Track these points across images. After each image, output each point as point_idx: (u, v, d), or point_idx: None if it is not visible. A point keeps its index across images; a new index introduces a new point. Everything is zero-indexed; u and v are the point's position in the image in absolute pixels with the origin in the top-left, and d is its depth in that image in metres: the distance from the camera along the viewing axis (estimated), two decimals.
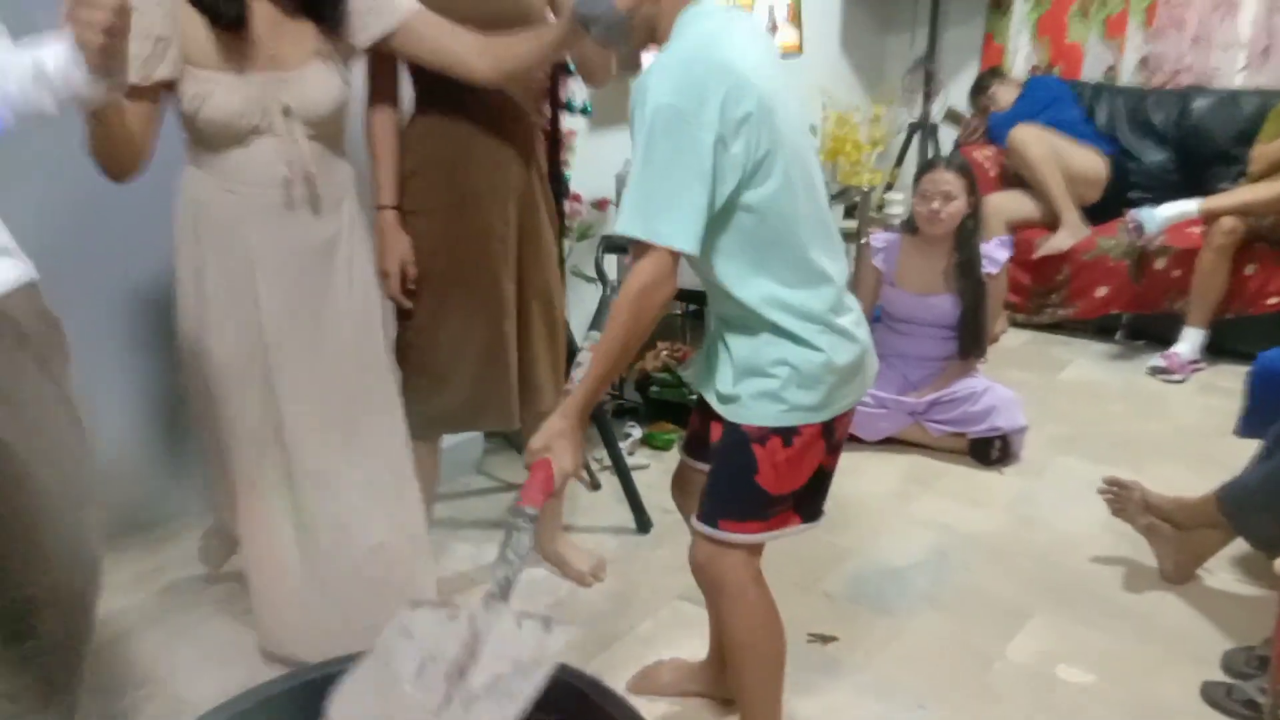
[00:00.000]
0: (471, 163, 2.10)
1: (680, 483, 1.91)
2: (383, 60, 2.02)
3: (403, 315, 2.17)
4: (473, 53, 1.93)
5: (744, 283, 1.56)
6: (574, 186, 3.09)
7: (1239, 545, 2.43)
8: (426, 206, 2.10)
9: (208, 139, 1.78)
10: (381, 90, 2.07)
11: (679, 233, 1.44)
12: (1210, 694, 2.04)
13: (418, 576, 2.07)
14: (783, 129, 1.50)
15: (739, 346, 1.62)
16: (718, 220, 1.50)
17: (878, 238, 3.35)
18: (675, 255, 1.46)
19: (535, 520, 1.54)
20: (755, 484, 1.62)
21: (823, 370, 1.58)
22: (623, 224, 1.46)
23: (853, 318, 1.64)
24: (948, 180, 3.08)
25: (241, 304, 1.86)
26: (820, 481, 1.71)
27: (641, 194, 1.45)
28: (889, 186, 4.63)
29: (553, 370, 2.32)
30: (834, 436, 1.67)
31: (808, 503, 1.70)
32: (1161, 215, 3.75)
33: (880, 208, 4.47)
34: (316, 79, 1.81)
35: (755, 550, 1.72)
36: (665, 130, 1.42)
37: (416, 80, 2.10)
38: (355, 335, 1.95)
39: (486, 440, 3.18)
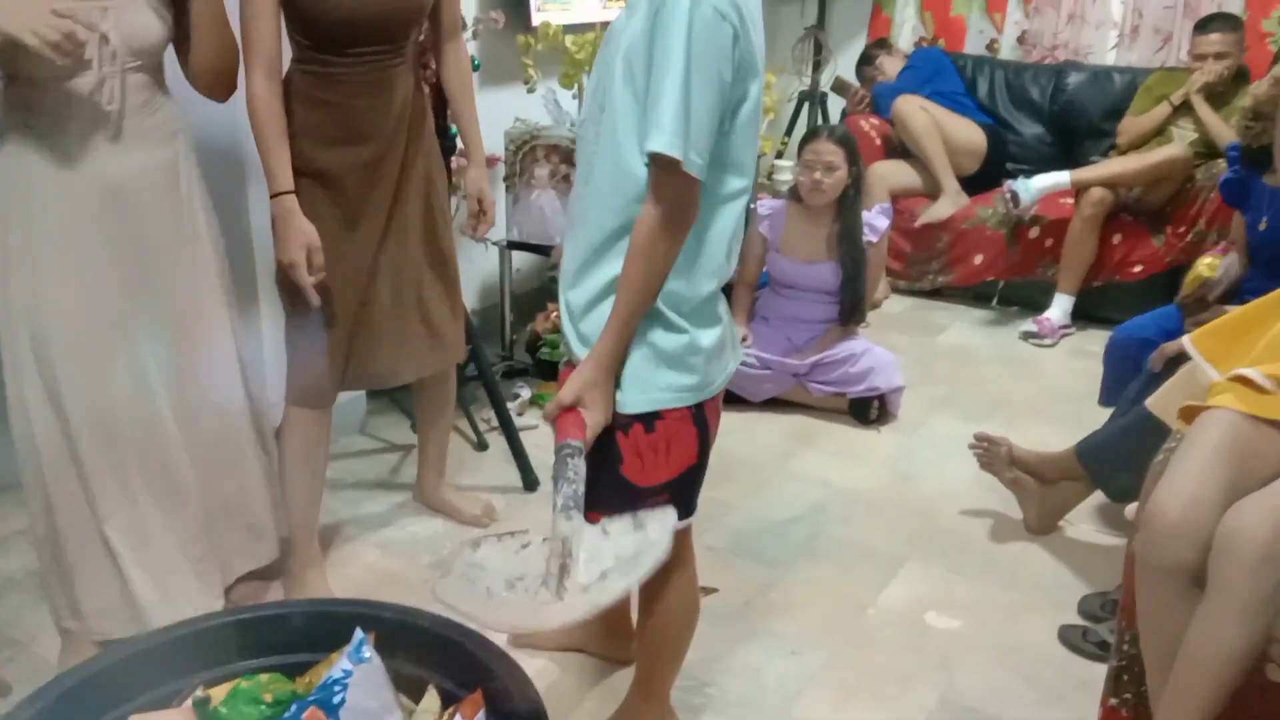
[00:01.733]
0: (357, 118, 2.03)
1: None
2: (260, 16, 1.89)
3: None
4: None
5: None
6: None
7: (1098, 498, 2.56)
8: (310, 170, 2.01)
9: (25, 74, 1.69)
10: (261, 54, 1.90)
11: (702, 164, 1.34)
12: (1067, 636, 2.16)
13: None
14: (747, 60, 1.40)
15: (590, 323, 1.49)
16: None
17: (764, 205, 3.40)
18: (699, 187, 1.38)
19: (583, 452, 1.45)
20: (620, 475, 1.53)
21: (685, 352, 1.50)
22: (663, 142, 1.31)
23: (721, 304, 1.57)
24: (829, 151, 3.13)
25: (78, 250, 1.77)
26: (700, 473, 1.62)
27: (680, 110, 1.31)
28: (778, 155, 4.70)
29: (452, 326, 2.31)
30: (706, 426, 1.58)
31: (686, 495, 1.60)
32: (1035, 186, 3.90)
33: (769, 175, 4.53)
34: (135, 8, 1.74)
35: (682, 533, 1.63)
36: (707, 38, 1.31)
37: (297, 37, 1.99)
38: (194, 277, 1.91)
39: (370, 401, 3.13)
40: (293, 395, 2.16)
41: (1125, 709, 1.66)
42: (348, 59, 1.97)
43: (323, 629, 1.64)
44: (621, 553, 1.36)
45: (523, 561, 1.40)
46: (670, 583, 1.68)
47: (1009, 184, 3.95)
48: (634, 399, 1.51)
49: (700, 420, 1.57)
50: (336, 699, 1.54)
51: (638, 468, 1.54)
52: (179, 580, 1.94)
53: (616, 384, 1.50)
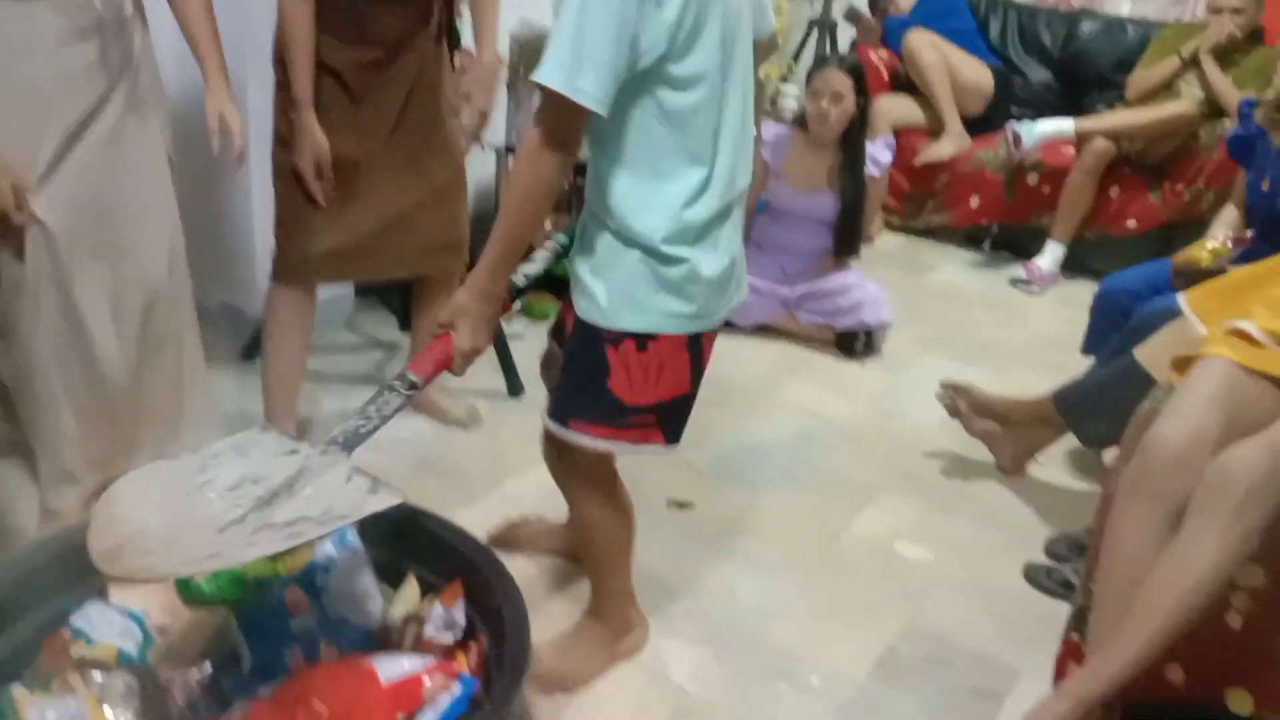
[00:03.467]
0: (369, 20, 2.02)
1: (548, 366, 1.89)
2: None
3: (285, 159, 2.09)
4: None
5: (632, 171, 1.47)
6: (466, 41, 2.99)
7: (1072, 444, 2.60)
8: (321, 65, 2.02)
9: None
10: None
11: (600, 93, 1.34)
12: (1032, 574, 2.20)
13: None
14: (723, 11, 1.41)
15: (603, 235, 1.52)
16: (629, 88, 1.40)
17: (768, 130, 3.37)
18: (586, 116, 1.37)
19: (416, 389, 1.49)
20: (607, 389, 1.54)
21: (684, 281, 1.50)
22: (543, 73, 1.34)
23: (730, 228, 1.55)
24: (839, 80, 3.09)
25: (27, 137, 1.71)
26: (689, 402, 1.63)
27: (570, 41, 1.33)
28: (784, 79, 4.63)
29: (454, 230, 2.30)
30: (701, 357, 1.59)
31: (672, 421, 1.62)
32: (1039, 130, 3.88)
33: (774, 101, 4.48)
34: None
35: (608, 457, 1.67)
36: None
37: None
38: (143, 181, 1.86)
39: (358, 296, 3.12)
40: (277, 271, 2.16)
41: (1086, 644, 1.70)
42: None
43: None
44: (333, 508, 1.35)
45: (273, 466, 1.39)
46: (594, 499, 1.71)
47: (1012, 125, 3.93)
48: (628, 317, 1.51)
49: (695, 350, 1.57)
50: (319, 581, 1.57)
51: (625, 384, 1.54)
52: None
53: (614, 295, 1.50)
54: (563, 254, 1.69)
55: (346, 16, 2.01)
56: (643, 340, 1.52)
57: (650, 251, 1.48)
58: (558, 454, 1.68)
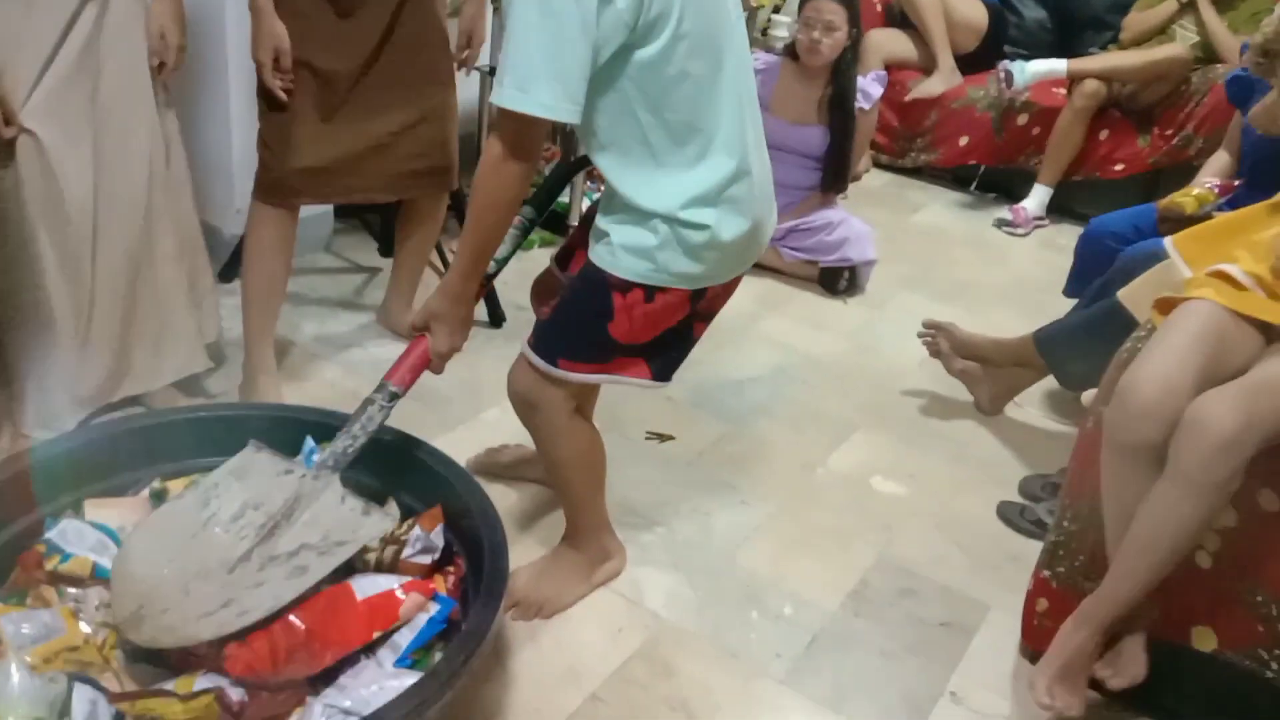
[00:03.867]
0: None
1: (540, 289, 1.88)
2: None
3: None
4: None
5: (625, 154, 1.46)
6: None
7: (1049, 384, 2.61)
8: None
9: None
10: None
11: (557, 101, 1.33)
12: (1005, 512, 2.23)
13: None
14: None
15: (625, 187, 1.49)
16: (598, 80, 1.38)
17: (759, 60, 3.31)
18: (544, 124, 1.37)
19: (397, 399, 1.54)
20: (606, 331, 1.55)
21: (704, 246, 1.50)
22: (498, 94, 1.34)
23: (747, 186, 1.52)
24: (831, 9, 3.04)
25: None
26: (680, 341, 1.63)
27: (519, 54, 1.32)
28: (776, 9, 4.55)
29: (442, 153, 2.26)
30: (702, 303, 1.58)
31: (660, 358, 1.62)
32: (1031, 70, 3.83)
33: (764, 30, 4.41)
34: None
35: (583, 389, 1.67)
36: None
37: None
38: (126, 87, 1.84)
39: (337, 219, 3.08)
40: (259, 189, 2.12)
41: (1056, 581, 1.73)
42: None
43: (284, 434, 1.65)
44: (332, 531, 1.44)
45: (272, 488, 1.49)
46: (560, 437, 1.70)
47: (1004, 64, 3.88)
48: (640, 269, 1.51)
49: (698, 299, 1.58)
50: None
51: (626, 329, 1.55)
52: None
53: (629, 248, 1.49)
54: (529, 229, 1.71)
55: None
56: (651, 291, 1.52)
57: (670, 219, 1.47)
58: (525, 390, 1.64)
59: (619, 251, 1.51)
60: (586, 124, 1.44)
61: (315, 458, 1.57)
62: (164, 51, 1.90)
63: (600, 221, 1.55)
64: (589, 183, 3.28)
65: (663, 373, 1.64)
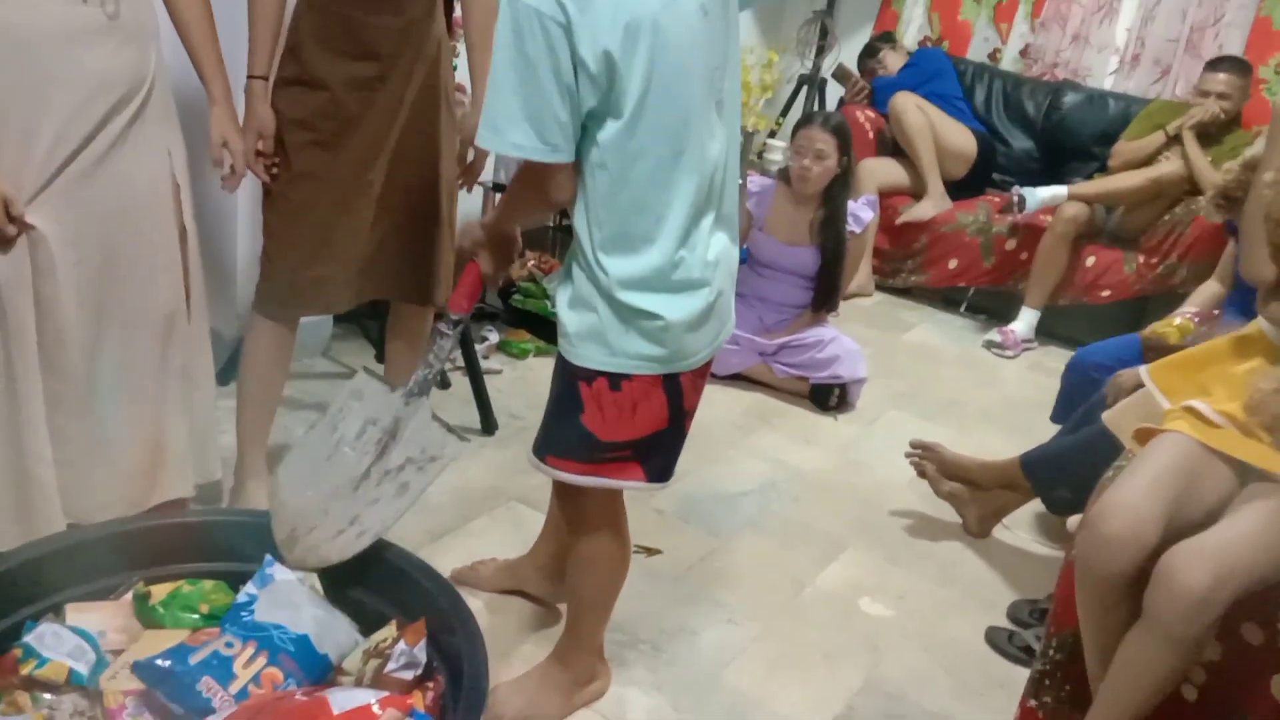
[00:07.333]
0: (364, 32, 1.98)
1: None
2: None
3: (274, 184, 2.07)
4: None
5: (582, 214, 1.48)
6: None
7: (1038, 509, 2.62)
8: (310, 77, 1.99)
9: None
10: None
11: (535, 142, 1.37)
12: (993, 637, 2.21)
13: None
14: (659, 67, 1.38)
15: (579, 272, 1.51)
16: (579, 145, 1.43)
17: (754, 182, 3.41)
18: (550, 166, 1.42)
19: (459, 326, 1.69)
20: (581, 424, 1.55)
21: (653, 328, 1.49)
22: (479, 136, 1.41)
23: (699, 262, 1.51)
24: (822, 139, 3.14)
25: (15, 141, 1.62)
26: (670, 439, 1.62)
27: (496, 99, 1.38)
28: (772, 134, 4.70)
29: (437, 262, 2.25)
30: (680, 394, 1.57)
31: (653, 458, 1.61)
32: (1040, 195, 3.95)
33: (760, 154, 4.54)
34: None
35: (616, 495, 1.68)
36: (528, 32, 1.32)
37: None
38: (143, 200, 1.78)
39: (336, 325, 3.12)
40: (261, 301, 2.14)
41: (1043, 711, 1.71)
42: None
43: (268, 541, 1.65)
44: (428, 446, 1.67)
45: (384, 405, 1.69)
46: (599, 537, 1.71)
47: (1016, 189, 3.99)
48: (599, 356, 1.52)
49: (673, 388, 1.57)
50: (245, 617, 1.56)
51: (599, 420, 1.54)
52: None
53: (585, 333, 1.51)
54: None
55: (340, 25, 1.97)
56: (615, 379, 1.52)
57: (612, 300, 1.49)
58: (564, 487, 1.67)
59: (573, 336, 1.53)
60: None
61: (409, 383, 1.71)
62: (228, 159, 1.94)
63: (558, 301, 1.56)
64: None
65: (658, 474, 1.63)
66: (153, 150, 1.80)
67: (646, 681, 1.93)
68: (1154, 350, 2.52)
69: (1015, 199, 3.98)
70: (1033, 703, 1.73)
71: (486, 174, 3.25)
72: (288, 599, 1.59)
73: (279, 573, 1.61)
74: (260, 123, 1.98)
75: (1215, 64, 3.83)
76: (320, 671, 1.55)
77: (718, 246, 1.56)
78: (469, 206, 3.54)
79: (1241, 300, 2.50)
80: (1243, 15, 4.20)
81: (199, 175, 1.98)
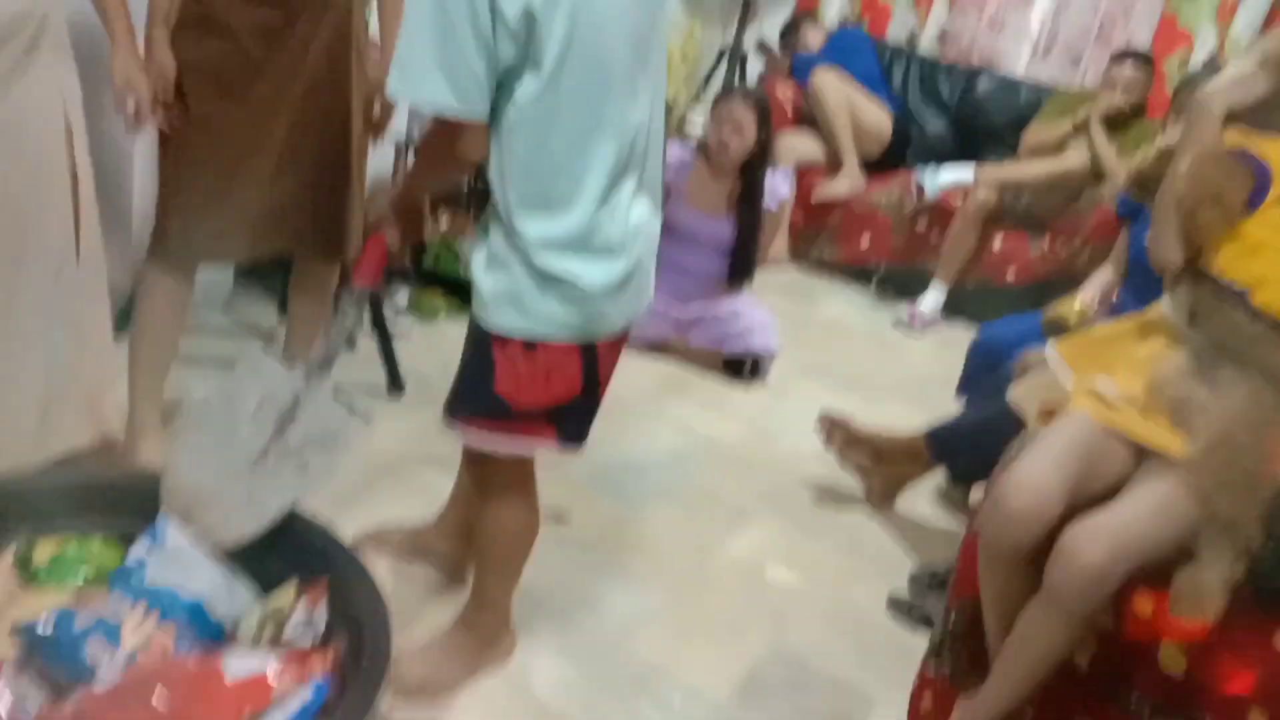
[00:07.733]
0: None
1: None
2: None
3: (171, 131, 1.98)
4: None
5: (502, 172, 1.44)
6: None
7: (939, 482, 2.68)
8: (214, 25, 1.91)
9: None
10: None
11: (448, 96, 1.34)
12: (894, 605, 2.26)
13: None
14: (581, 26, 1.35)
15: (496, 231, 1.48)
16: (495, 101, 1.39)
17: (673, 151, 3.39)
18: (465, 125, 1.39)
19: (363, 300, 1.67)
20: (493, 387, 1.52)
21: (570, 290, 1.47)
22: (389, 85, 1.37)
23: (620, 227, 1.49)
24: (741, 112, 3.13)
25: None
26: (584, 406, 1.60)
27: (409, 49, 1.34)
28: (695, 100, 4.68)
29: (346, 215, 2.18)
30: (596, 363, 1.55)
31: (566, 423, 1.60)
32: (942, 179, 4.02)
33: (680, 125, 4.52)
34: None
35: (524, 458, 1.66)
36: None
37: None
38: (32, 141, 1.73)
39: (237, 279, 3.01)
40: (155, 251, 2.05)
41: (941, 678, 1.75)
42: None
43: (154, 502, 1.58)
44: (329, 424, 1.62)
45: (281, 382, 1.63)
46: (508, 501, 1.70)
47: (916, 176, 4.05)
48: (513, 319, 1.49)
49: (589, 357, 1.54)
50: (134, 581, 1.50)
51: (512, 385, 1.52)
52: None
53: (500, 295, 1.48)
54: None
55: None
56: (530, 344, 1.50)
57: (529, 262, 1.46)
58: (474, 450, 1.65)
59: (487, 298, 1.50)
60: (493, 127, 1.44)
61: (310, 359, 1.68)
62: (131, 103, 1.85)
63: (474, 262, 1.52)
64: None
65: (572, 437, 1.61)
66: (45, 89, 1.73)
67: (553, 647, 1.92)
68: (1054, 330, 2.58)
69: (914, 188, 4.05)
70: (931, 670, 1.77)
71: (401, 132, 3.17)
72: (181, 560, 1.53)
73: (171, 531, 1.55)
74: (161, 67, 1.90)
75: (1121, 57, 3.93)
76: (214, 635, 1.50)
77: (639, 212, 1.54)
78: (380, 164, 3.45)
79: (1134, 287, 2.57)
80: (1150, 10, 4.32)
81: (95, 118, 1.88)
